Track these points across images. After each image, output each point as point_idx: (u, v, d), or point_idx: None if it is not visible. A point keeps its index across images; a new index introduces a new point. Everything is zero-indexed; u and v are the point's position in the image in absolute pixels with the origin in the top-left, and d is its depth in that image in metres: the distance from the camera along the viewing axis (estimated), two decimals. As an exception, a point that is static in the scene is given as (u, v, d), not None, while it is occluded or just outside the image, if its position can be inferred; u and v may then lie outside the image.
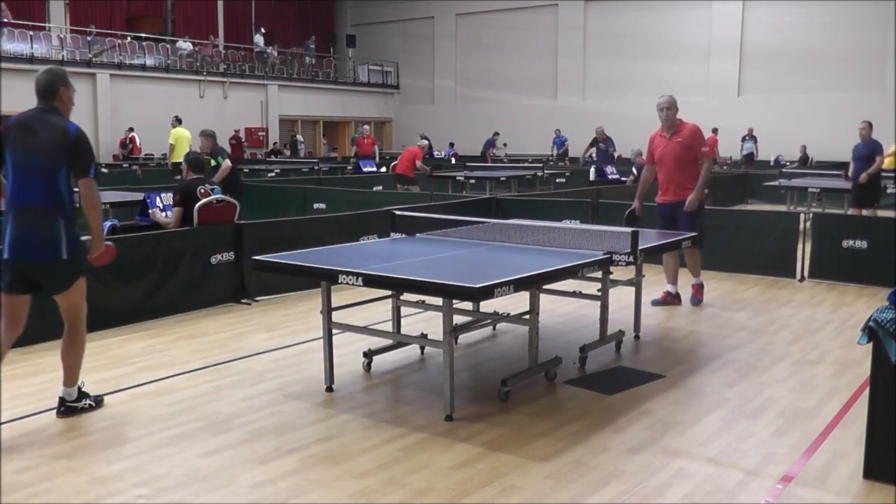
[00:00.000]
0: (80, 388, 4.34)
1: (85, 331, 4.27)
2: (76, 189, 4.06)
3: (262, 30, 30.03)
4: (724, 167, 21.80)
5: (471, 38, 32.30)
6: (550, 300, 6.76)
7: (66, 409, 4.29)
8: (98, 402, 4.42)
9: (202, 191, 7.32)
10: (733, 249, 8.62)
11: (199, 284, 6.91)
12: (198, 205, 7.15)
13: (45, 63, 22.71)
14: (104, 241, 4.31)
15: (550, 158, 24.69)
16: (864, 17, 24.12)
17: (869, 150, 10.85)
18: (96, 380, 4.90)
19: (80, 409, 4.32)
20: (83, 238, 4.15)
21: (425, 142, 18.00)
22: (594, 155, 18.66)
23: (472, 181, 15.82)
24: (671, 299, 7.07)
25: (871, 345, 3.50)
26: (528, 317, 4.87)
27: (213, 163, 10.20)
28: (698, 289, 7.11)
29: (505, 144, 25.74)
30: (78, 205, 4.07)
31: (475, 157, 23.55)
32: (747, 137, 23.46)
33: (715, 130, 22.97)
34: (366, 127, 21.60)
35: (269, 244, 6.66)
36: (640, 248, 4.93)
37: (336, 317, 4.82)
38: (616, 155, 18.11)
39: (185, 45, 27.15)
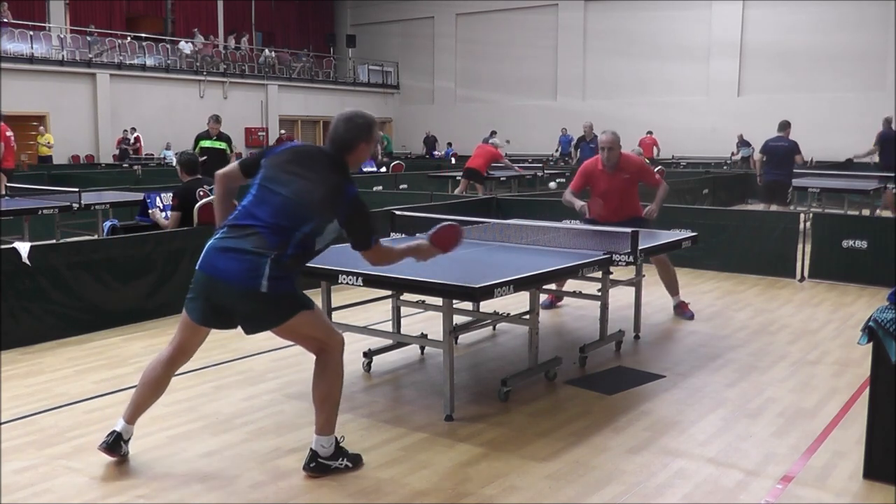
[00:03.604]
0: (338, 442, 3.60)
1: (336, 368, 3.55)
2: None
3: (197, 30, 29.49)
4: (682, 165, 22.09)
5: (471, 38, 32.30)
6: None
7: (318, 465, 3.52)
8: (355, 461, 3.63)
9: (202, 192, 7.31)
10: (733, 249, 8.62)
11: (199, 284, 6.90)
12: (198, 204, 7.14)
13: (44, 63, 22.83)
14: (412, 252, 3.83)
15: (551, 158, 24.70)
16: (865, 17, 24.13)
17: None
18: (96, 380, 4.91)
19: (334, 470, 3.54)
20: None
21: (497, 140, 16.15)
22: (581, 151, 18.63)
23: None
24: (557, 301, 6.92)
25: (871, 345, 3.49)
26: (528, 317, 4.87)
27: (221, 146, 10.36)
28: (684, 304, 6.68)
29: (508, 142, 25.38)
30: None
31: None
32: (740, 144, 23.80)
33: (649, 132, 23.21)
34: None
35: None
36: (640, 248, 4.93)
37: (336, 317, 4.82)
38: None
39: (185, 45, 27.16)
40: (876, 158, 15.33)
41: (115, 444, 3.61)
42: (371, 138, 3.59)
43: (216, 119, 12.65)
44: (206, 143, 12.28)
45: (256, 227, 3.34)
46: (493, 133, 24.97)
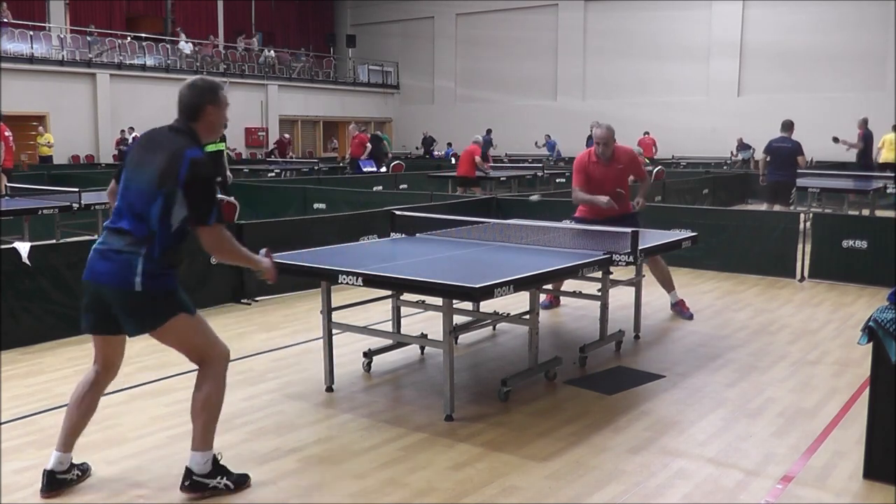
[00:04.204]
0: (216, 459, 3.37)
1: (216, 379, 3.36)
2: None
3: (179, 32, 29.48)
4: (682, 165, 22.20)
5: (471, 38, 32.32)
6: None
7: (192, 484, 3.31)
8: (239, 482, 3.39)
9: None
10: (733, 249, 8.62)
11: (199, 285, 6.90)
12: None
13: (44, 63, 22.83)
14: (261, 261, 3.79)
15: (550, 158, 24.76)
16: (865, 17, 24.14)
17: None
18: (96, 380, 4.90)
19: (212, 489, 3.32)
20: None
21: (479, 137, 15.61)
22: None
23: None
24: (556, 302, 6.92)
25: (871, 345, 3.50)
26: (528, 317, 4.87)
27: (221, 147, 10.40)
28: (683, 303, 6.67)
29: (495, 145, 25.02)
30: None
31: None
32: (739, 147, 23.81)
33: (646, 133, 23.31)
34: (351, 126, 20.81)
35: (268, 244, 6.64)
36: (640, 248, 4.93)
37: (336, 317, 4.82)
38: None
39: (185, 45, 27.16)
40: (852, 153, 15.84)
41: (53, 482, 3.34)
42: (218, 100, 3.36)
43: None
44: (210, 147, 12.27)
45: (125, 226, 3.23)
46: (489, 132, 24.98)
